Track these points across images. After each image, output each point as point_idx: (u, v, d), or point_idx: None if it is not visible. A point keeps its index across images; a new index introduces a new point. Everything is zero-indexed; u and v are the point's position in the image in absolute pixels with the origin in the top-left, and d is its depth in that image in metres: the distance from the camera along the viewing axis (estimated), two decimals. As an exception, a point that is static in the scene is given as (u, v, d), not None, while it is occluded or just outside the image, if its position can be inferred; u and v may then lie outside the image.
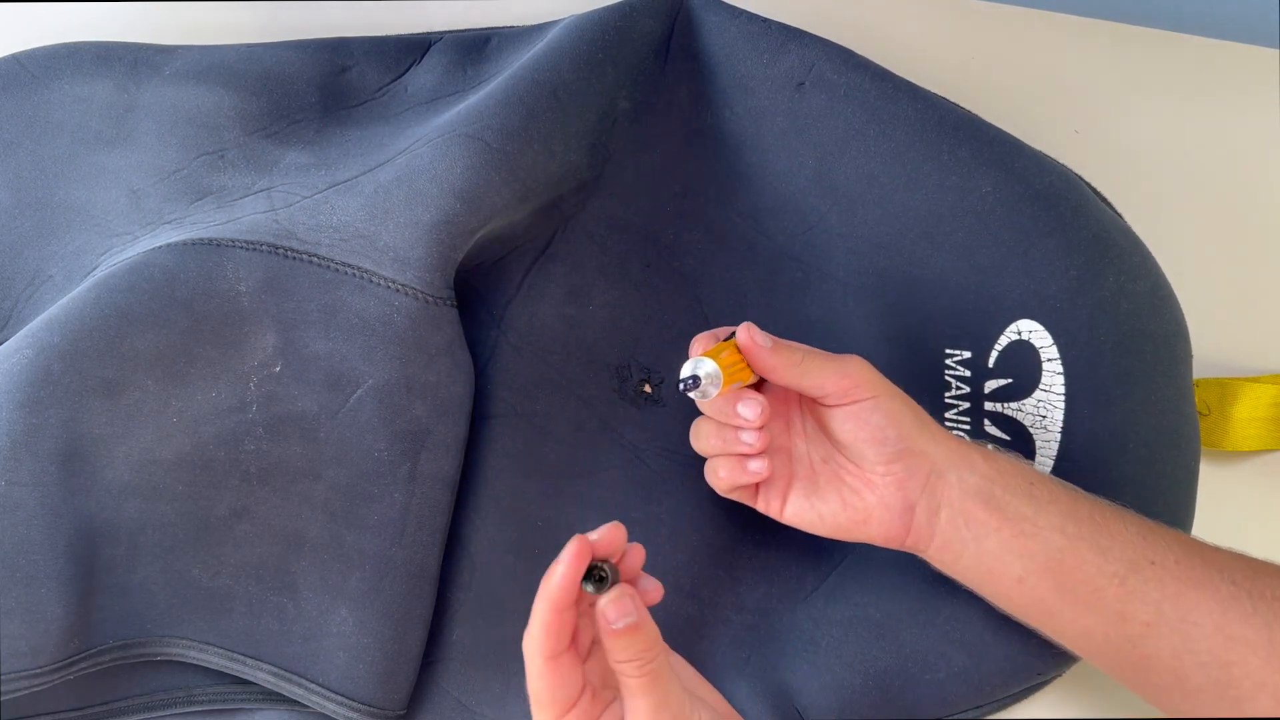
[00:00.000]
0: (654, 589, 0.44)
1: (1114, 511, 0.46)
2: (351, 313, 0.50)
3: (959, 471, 0.47)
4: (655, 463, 0.56)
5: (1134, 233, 0.55)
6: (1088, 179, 0.56)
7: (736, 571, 0.56)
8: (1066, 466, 0.52)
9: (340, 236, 0.51)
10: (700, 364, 0.45)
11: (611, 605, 0.41)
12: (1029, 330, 0.53)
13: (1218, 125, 0.65)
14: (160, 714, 0.53)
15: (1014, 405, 0.54)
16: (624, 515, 0.56)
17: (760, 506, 0.50)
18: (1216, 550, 0.45)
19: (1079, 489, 0.48)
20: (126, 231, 0.54)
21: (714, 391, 0.46)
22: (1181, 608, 0.44)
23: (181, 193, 0.54)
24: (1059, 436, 0.52)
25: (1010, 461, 0.48)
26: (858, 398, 0.47)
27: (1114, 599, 0.45)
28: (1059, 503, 0.46)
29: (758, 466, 0.48)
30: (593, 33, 0.54)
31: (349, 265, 0.51)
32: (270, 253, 0.50)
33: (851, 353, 0.57)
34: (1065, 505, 0.46)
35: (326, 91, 0.56)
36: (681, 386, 0.45)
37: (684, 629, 0.55)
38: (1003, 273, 0.53)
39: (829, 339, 0.56)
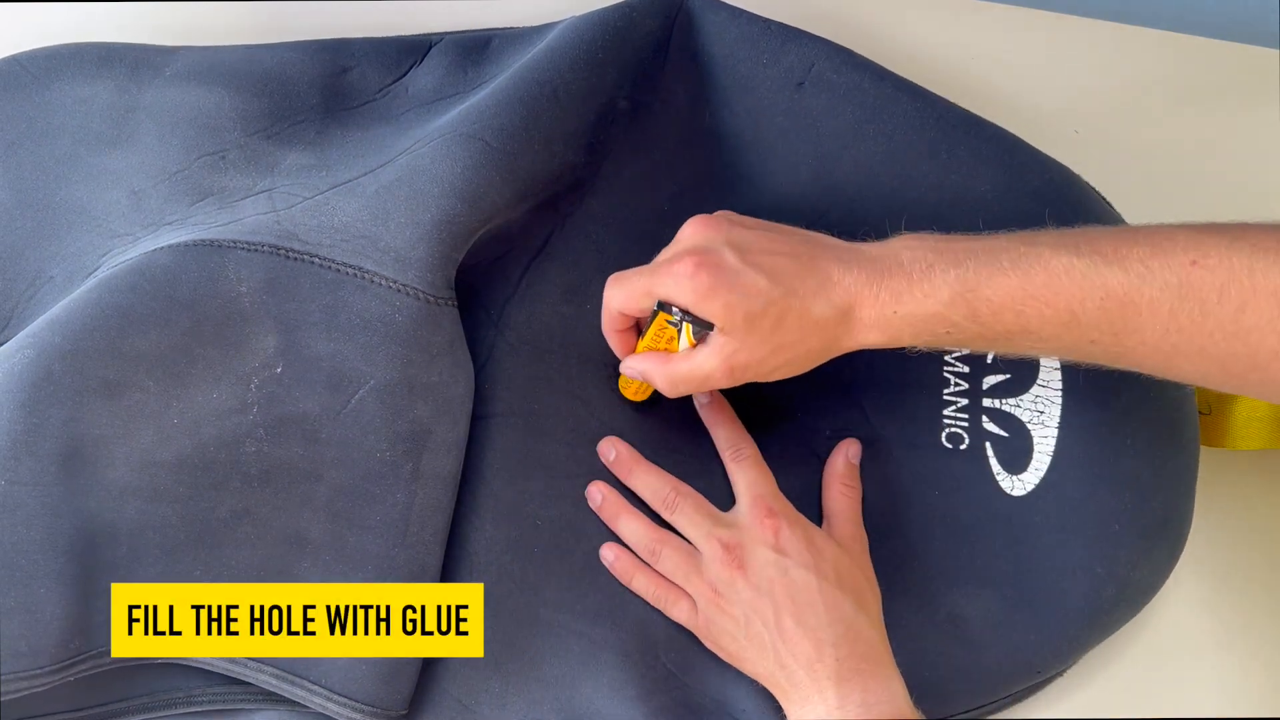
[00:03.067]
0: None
1: (1027, 322, 0.46)
2: (353, 313, 0.51)
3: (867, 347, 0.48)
4: (654, 460, 0.56)
5: (1134, 232, 0.55)
6: (1088, 179, 0.56)
7: (737, 571, 0.56)
8: (1064, 462, 0.52)
9: (341, 237, 0.51)
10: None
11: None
12: (1028, 328, 0.53)
13: (1218, 125, 0.65)
14: (160, 715, 0.53)
15: (1012, 401, 0.54)
16: (624, 515, 0.56)
17: None
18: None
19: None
20: (128, 232, 0.54)
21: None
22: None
23: (183, 193, 0.54)
24: (1056, 432, 0.52)
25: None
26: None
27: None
28: (976, 342, 0.47)
29: None
30: (593, 33, 0.54)
31: (350, 266, 0.51)
32: (271, 253, 0.51)
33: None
34: (977, 340, 0.47)
35: (327, 92, 0.56)
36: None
37: (685, 627, 0.55)
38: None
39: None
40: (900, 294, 0.45)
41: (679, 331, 0.49)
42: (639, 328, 0.52)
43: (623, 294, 0.49)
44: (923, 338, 0.46)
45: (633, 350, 0.52)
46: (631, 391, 0.57)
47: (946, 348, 0.50)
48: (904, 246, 0.47)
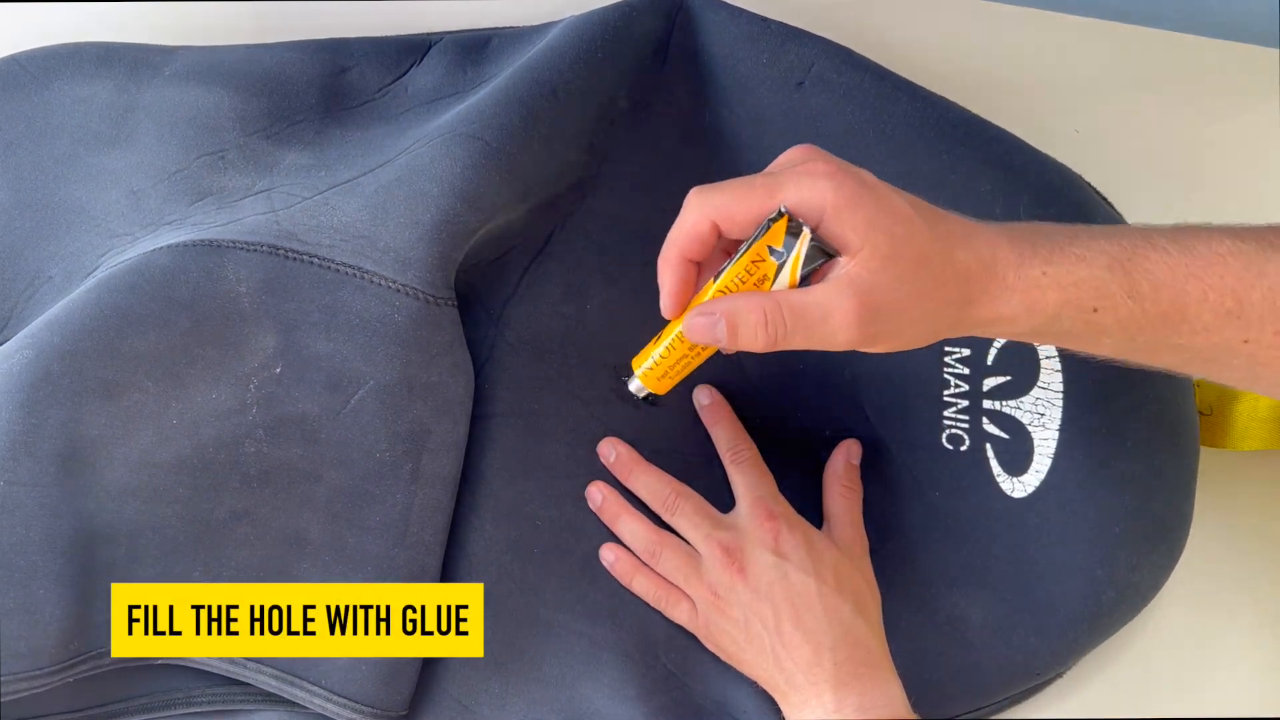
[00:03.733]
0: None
1: (1187, 301, 0.40)
2: (352, 313, 0.50)
3: (1001, 328, 0.41)
4: (654, 461, 0.56)
5: (1134, 233, 0.55)
6: (1088, 179, 0.56)
7: (737, 571, 0.56)
8: (1064, 464, 0.52)
9: (341, 237, 0.51)
10: (630, 381, 0.46)
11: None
12: (1028, 329, 0.53)
13: (1218, 125, 0.65)
14: (160, 715, 0.53)
15: (1012, 403, 0.54)
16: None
17: None
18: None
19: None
20: (127, 232, 0.54)
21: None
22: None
23: (182, 193, 0.54)
24: (1057, 434, 0.52)
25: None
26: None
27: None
28: (1125, 328, 0.40)
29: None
30: (592, 32, 0.54)
31: (350, 266, 0.51)
32: (271, 254, 0.50)
33: (850, 352, 0.57)
34: (1128, 324, 0.40)
35: (327, 92, 0.56)
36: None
37: (684, 627, 0.55)
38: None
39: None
40: (1051, 254, 0.39)
41: (780, 268, 0.39)
42: (699, 269, 0.42)
43: (728, 197, 0.39)
44: (1067, 312, 0.40)
45: (689, 295, 0.42)
46: (659, 374, 0.45)
47: (1076, 343, 0.42)
48: (1031, 224, 0.41)
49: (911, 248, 0.38)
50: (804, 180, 0.38)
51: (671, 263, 0.41)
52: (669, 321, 0.43)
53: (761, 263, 0.39)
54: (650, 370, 0.45)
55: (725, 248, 0.42)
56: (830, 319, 0.38)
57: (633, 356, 0.49)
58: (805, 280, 0.39)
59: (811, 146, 0.41)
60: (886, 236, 0.38)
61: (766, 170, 0.41)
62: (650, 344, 0.45)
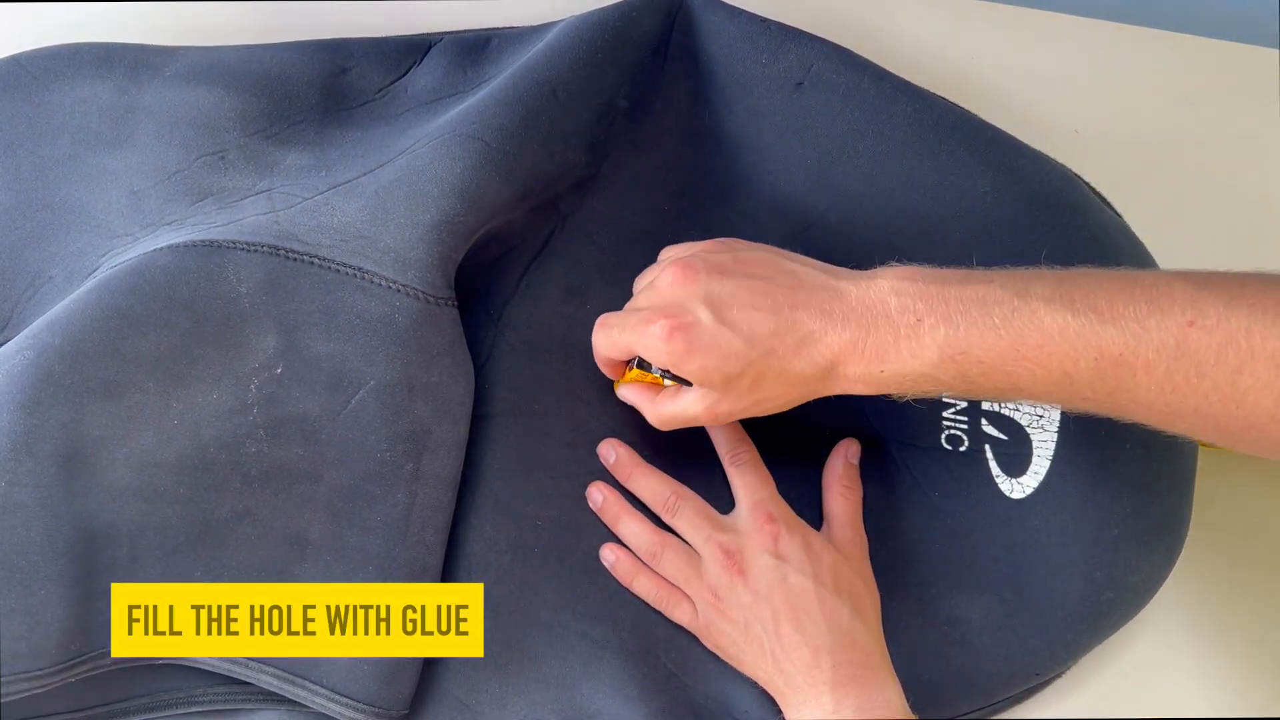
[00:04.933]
0: None
1: (1018, 381, 0.44)
2: (353, 314, 0.51)
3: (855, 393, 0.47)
4: (653, 462, 0.56)
5: (1134, 233, 0.55)
6: (1088, 179, 0.56)
7: (736, 571, 0.56)
8: (1064, 466, 0.52)
9: (341, 237, 0.51)
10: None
11: None
12: (1028, 329, 0.53)
13: (1218, 125, 0.65)
14: (161, 715, 0.53)
15: (1011, 404, 0.54)
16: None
17: None
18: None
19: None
20: (127, 233, 0.54)
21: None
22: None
23: (182, 194, 0.54)
24: (1056, 436, 0.52)
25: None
26: None
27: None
28: (968, 395, 0.47)
29: None
30: (592, 33, 0.54)
31: (350, 266, 0.51)
32: (271, 254, 0.51)
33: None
34: (968, 394, 0.46)
35: (327, 92, 0.56)
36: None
37: (684, 627, 0.55)
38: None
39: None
40: (886, 352, 0.44)
41: (664, 375, 0.50)
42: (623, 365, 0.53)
43: (606, 343, 0.50)
44: (913, 391, 0.46)
45: (622, 376, 0.54)
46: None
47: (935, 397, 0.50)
48: (891, 290, 0.45)
49: (745, 377, 0.46)
50: (646, 341, 0.47)
51: (602, 365, 0.54)
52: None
53: (648, 373, 0.51)
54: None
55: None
56: (697, 418, 0.49)
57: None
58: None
59: (675, 268, 0.48)
60: (719, 376, 0.46)
61: (633, 301, 0.50)
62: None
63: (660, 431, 0.55)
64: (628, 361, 0.52)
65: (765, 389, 0.46)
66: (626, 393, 0.54)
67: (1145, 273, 0.43)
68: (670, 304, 0.47)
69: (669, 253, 0.52)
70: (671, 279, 0.48)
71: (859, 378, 0.45)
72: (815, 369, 0.45)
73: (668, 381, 0.50)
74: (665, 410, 0.50)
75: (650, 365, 0.50)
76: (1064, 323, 0.42)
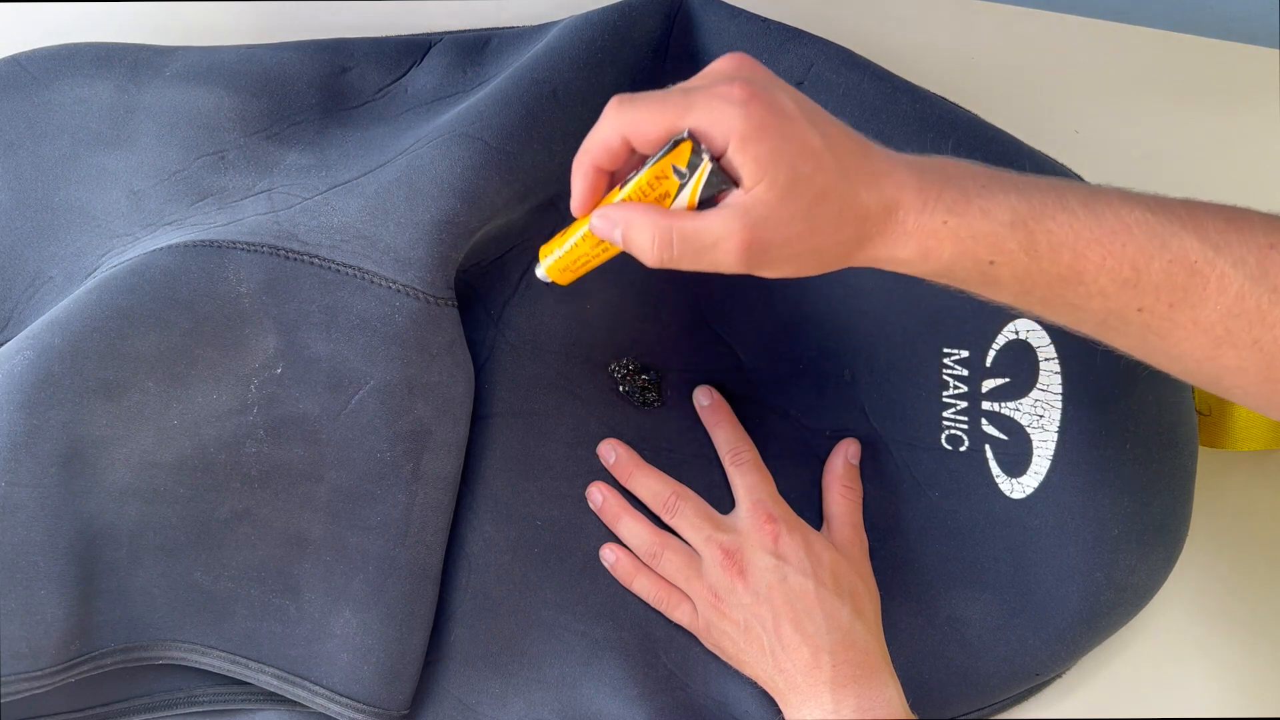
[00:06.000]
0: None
1: (1085, 265, 0.40)
2: (353, 314, 0.51)
3: (893, 267, 0.42)
4: (654, 461, 0.56)
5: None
6: (1088, 179, 0.56)
7: (736, 571, 0.56)
8: (1064, 466, 0.52)
9: (341, 237, 0.51)
10: (537, 266, 0.47)
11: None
12: (1026, 330, 0.53)
13: (1218, 125, 0.65)
14: (161, 715, 0.53)
15: (1011, 405, 0.54)
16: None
17: None
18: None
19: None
20: (127, 233, 0.54)
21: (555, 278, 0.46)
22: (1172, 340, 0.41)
23: (182, 194, 0.54)
24: (1056, 436, 0.52)
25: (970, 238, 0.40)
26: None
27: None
28: (1020, 282, 0.41)
29: None
30: (592, 33, 0.54)
31: (350, 266, 0.51)
32: (271, 254, 0.51)
33: (850, 351, 0.57)
34: (1023, 279, 0.41)
35: (327, 92, 0.56)
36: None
37: (684, 627, 0.55)
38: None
39: (827, 337, 0.56)
40: (955, 205, 0.39)
41: (681, 187, 0.40)
42: (611, 184, 0.43)
43: (641, 113, 0.39)
44: (962, 263, 0.40)
45: (597, 199, 0.43)
46: (561, 266, 0.46)
47: (975, 288, 0.42)
48: (952, 162, 0.41)
49: (812, 185, 0.38)
50: (715, 104, 0.38)
51: (583, 169, 0.42)
52: (576, 220, 0.44)
53: (664, 179, 0.40)
54: (555, 262, 0.46)
55: (639, 160, 0.42)
56: (718, 246, 0.39)
57: (629, 354, 0.56)
58: (707, 203, 0.39)
59: (742, 57, 0.41)
60: (788, 171, 0.38)
61: (688, 83, 0.41)
62: (557, 237, 0.46)
63: (660, 432, 0.55)
64: (611, 173, 0.42)
65: (823, 213, 0.39)
66: (619, 212, 0.41)
67: (1217, 203, 0.41)
68: (744, 77, 0.39)
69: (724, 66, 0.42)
70: (738, 61, 0.40)
71: (916, 229, 0.40)
72: (880, 205, 0.39)
73: (682, 198, 0.40)
74: (685, 226, 0.39)
75: (699, 151, 0.38)
76: (1143, 218, 0.39)
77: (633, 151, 0.41)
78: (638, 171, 0.41)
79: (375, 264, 0.50)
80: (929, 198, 0.39)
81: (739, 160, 0.38)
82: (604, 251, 0.44)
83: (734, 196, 0.39)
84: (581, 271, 0.46)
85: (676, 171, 0.39)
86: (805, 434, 0.58)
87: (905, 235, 0.40)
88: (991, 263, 0.40)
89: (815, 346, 0.57)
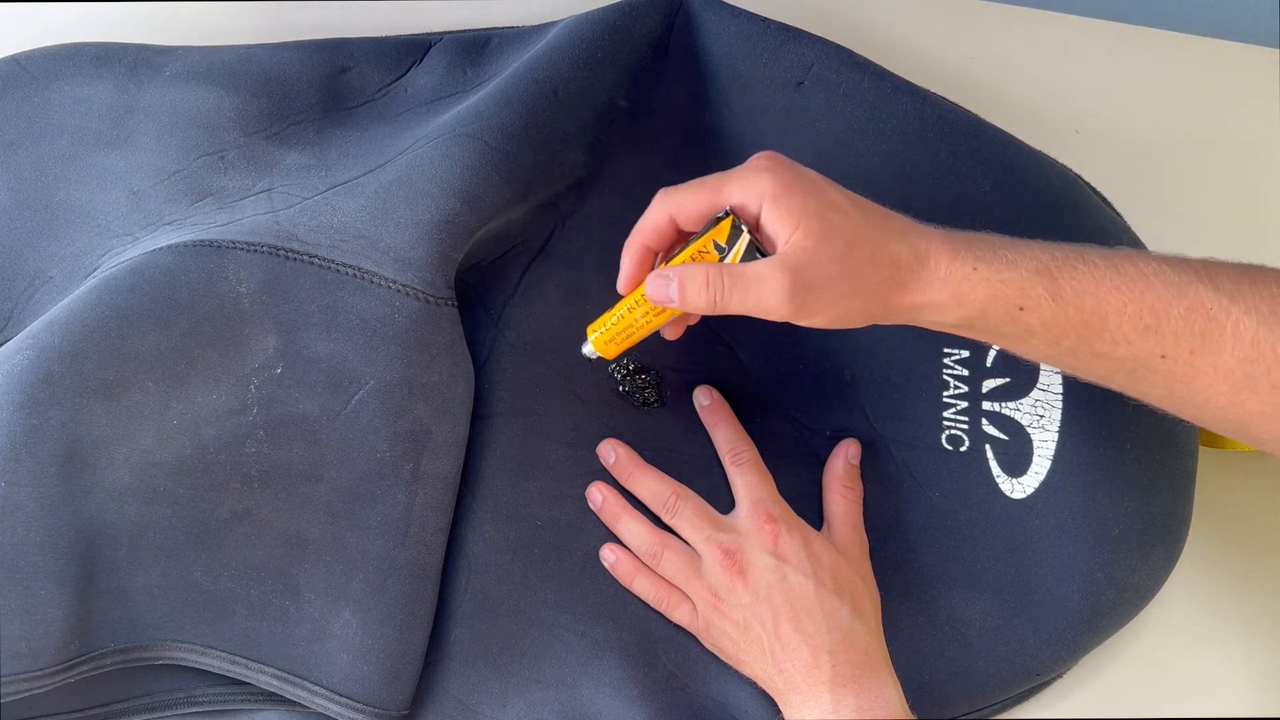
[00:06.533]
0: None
1: (1108, 310, 0.43)
2: (353, 314, 0.50)
3: (932, 316, 0.44)
4: (654, 461, 0.56)
5: (1134, 232, 0.55)
6: (1088, 179, 0.56)
7: (736, 571, 0.56)
8: (1064, 466, 0.52)
9: (341, 237, 0.51)
10: (585, 345, 0.51)
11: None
12: (1028, 330, 0.53)
13: (1218, 125, 0.65)
14: (161, 715, 0.53)
15: (1012, 404, 0.54)
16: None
17: None
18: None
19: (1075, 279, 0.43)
20: (127, 232, 0.54)
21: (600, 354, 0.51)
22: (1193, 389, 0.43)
23: (182, 194, 0.54)
24: (1056, 435, 0.52)
25: (1000, 284, 0.43)
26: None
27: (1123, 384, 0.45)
28: (1049, 330, 0.43)
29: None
30: (592, 32, 0.54)
31: (350, 266, 0.51)
32: (271, 254, 0.50)
33: (850, 351, 0.57)
34: (1052, 327, 0.43)
35: (327, 92, 0.56)
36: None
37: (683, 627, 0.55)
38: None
39: (827, 337, 0.56)
40: (983, 255, 0.43)
41: (722, 260, 0.44)
42: (656, 256, 0.48)
43: (684, 195, 0.45)
44: (995, 308, 0.43)
45: (643, 276, 0.47)
46: (608, 339, 0.50)
47: (1006, 341, 0.45)
48: (973, 232, 0.44)
49: (844, 232, 0.42)
50: (747, 176, 0.43)
51: (634, 248, 0.47)
52: (623, 297, 0.49)
53: (706, 254, 0.45)
54: (603, 335, 0.50)
55: (680, 240, 0.47)
56: (764, 286, 0.42)
57: (629, 354, 0.56)
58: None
59: (770, 153, 0.45)
60: (819, 220, 0.42)
61: (724, 172, 0.45)
62: (605, 314, 0.50)
63: (660, 432, 0.55)
64: (657, 253, 0.47)
65: (857, 257, 0.42)
66: (675, 271, 0.45)
67: (1231, 261, 0.44)
68: (771, 157, 0.44)
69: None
70: (766, 155, 0.45)
71: (949, 276, 0.43)
72: (910, 253, 0.43)
73: (737, 259, 0.44)
74: (735, 275, 0.43)
75: (737, 226, 0.43)
76: (1159, 269, 0.42)
77: (678, 230, 0.46)
78: (681, 247, 0.46)
79: (375, 264, 0.50)
80: (958, 248, 0.43)
81: (774, 216, 0.43)
82: (650, 322, 0.49)
83: (777, 249, 0.43)
84: (627, 345, 0.50)
85: (717, 246, 0.44)
86: (805, 434, 0.58)
87: (939, 279, 0.43)
88: (1021, 309, 0.43)
89: (815, 346, 0.57)
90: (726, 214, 0.44)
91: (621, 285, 0.48)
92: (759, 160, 0.44)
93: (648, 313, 0.48)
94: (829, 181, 0.44)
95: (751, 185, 0.43)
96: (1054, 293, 0.42)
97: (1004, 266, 0.43)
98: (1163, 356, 0.42)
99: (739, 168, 0.44)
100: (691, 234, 0.46)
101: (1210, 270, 0.42)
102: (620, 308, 0.49)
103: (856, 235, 0.42)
